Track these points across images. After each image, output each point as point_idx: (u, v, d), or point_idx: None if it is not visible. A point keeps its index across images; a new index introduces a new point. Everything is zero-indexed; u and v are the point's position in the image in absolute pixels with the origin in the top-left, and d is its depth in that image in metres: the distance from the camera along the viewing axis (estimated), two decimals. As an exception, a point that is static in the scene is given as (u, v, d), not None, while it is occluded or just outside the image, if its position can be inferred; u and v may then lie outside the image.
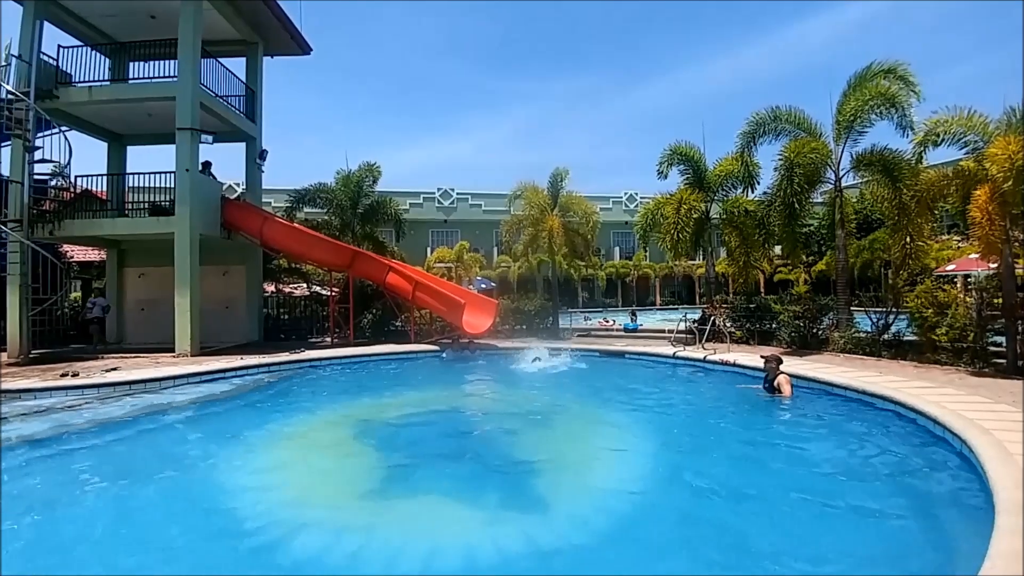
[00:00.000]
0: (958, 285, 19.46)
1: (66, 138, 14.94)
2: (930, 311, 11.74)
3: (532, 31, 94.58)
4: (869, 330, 13.87)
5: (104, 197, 16.77)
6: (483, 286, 27.91)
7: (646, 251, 41.11)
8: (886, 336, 13.39)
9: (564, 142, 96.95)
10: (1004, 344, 10.79)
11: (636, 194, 44.85)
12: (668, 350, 14.21)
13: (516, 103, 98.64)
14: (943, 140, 11.90)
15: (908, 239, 13.77)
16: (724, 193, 18.05)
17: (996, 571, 3.33)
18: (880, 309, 14.25)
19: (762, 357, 9.96)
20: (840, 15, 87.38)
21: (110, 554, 4.51)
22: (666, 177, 18.22)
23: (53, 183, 15.64)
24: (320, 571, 4.22)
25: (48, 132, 14.85)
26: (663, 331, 18.39)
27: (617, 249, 45.33)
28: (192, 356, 14.28)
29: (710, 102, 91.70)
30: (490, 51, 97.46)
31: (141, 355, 14.51)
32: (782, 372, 9.49)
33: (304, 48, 19.88)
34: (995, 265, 11.98)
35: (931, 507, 5.24)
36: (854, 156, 15.01)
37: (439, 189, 43.04)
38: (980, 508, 4.60)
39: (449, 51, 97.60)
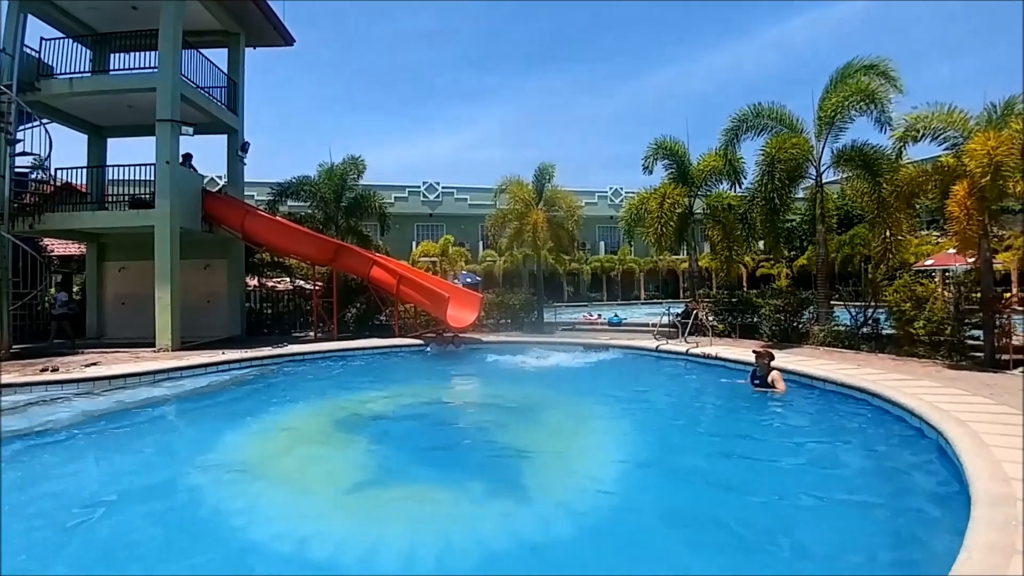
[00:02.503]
0: (936, 280, 19.79)
1: (47, 131, 14.70)
2: (908, 305, 11.91)
3: (522, 28, 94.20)
4: (848, 324, 14.06)
5: (84, 190, 16.52)
6: (468, 280, 27.83)
7: (631, 246, 41.29)
8: (865, 329, 13.58)
9: (555, 139, 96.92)
10: (981, 337, 10.99)
11: (621, 189, 44.97)
12: (651, 343, 14.30)
13: (507, 100, 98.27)
14: (923, 136, 12.06)
15: (887, 234, 13.97)
16: (708, 188, 18.16)
17: (973, 562, 3.40)
18: (859, 303, 14.45)
19: (754, 352, 9.91)
20: (832, 13, 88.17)
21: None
22: (651, 172, 18.29)
23: (34, 176, 15.38)
24: (300, 567, 4.20)
25: (29, 125, 14.59)
26: (647, 325, 18.50)
27: (602, 244, 45.46)
28: (173, 351, 14.13)
29: (701, 100, 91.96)
30: (479, 47, 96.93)
31: (121, 350, 14.31)
32: (775, 368, 9.52)
33: (287, 39, 19.65)
34: (973, 260, 12.18)
35: (908, 498, 5.33)
36: (835, 152, 15.18)
37: (424, 183, 42.84)
38: (956, 499, 4.70)
39: (438, 47, 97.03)
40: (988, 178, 9.82)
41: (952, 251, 18.93)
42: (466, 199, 42.71)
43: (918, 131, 11.99)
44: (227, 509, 5.24)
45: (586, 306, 34.32)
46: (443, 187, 43.16)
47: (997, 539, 3.65)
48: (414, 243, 38.23)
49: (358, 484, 5.94)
